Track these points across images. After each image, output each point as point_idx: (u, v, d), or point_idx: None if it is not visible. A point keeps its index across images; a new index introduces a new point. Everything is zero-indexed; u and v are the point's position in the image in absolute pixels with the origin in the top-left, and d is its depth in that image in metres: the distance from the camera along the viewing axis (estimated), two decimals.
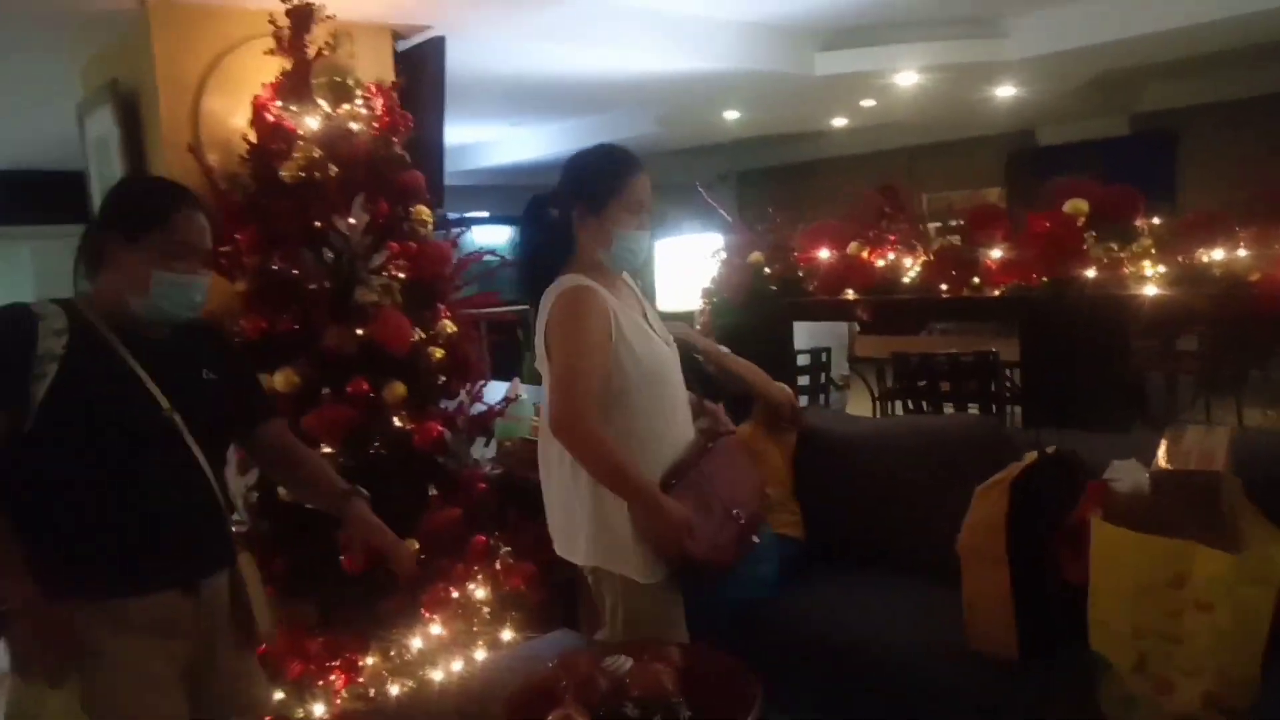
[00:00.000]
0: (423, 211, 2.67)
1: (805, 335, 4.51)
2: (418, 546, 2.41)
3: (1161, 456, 1.71)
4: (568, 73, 4.79)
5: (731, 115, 6.34)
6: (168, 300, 1.55)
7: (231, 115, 2.78)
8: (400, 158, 2.67)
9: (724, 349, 2.56)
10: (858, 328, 5.77)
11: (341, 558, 2.09)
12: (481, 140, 8.13)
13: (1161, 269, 2.36)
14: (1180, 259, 2.32)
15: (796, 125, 7.49)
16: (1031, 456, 2.07)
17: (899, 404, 5.18)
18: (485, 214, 10.75)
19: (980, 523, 2.01)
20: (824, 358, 5.31)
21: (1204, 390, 5.77)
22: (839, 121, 7.27)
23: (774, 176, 10.34)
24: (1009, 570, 1.94)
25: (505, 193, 9.63)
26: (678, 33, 4.27)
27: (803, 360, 5.02)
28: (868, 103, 6.18)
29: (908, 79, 5.26)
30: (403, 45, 3.33)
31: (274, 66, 2.64)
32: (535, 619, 2.68)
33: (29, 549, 1.44)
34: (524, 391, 3.39)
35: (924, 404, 4.98)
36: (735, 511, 2.03)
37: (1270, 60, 6.71)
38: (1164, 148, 8.54)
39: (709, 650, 1.74)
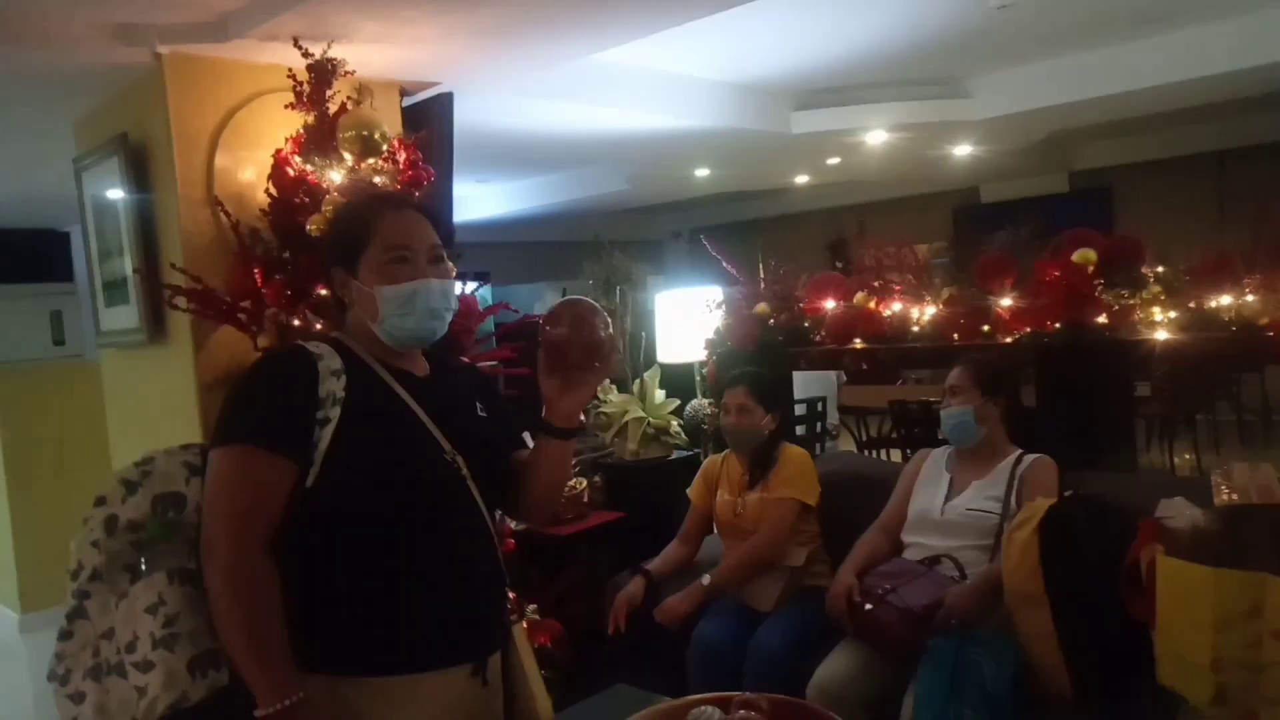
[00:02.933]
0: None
1: (800, 386, 4.57)
2: None
3: (1222, 492, 1.77)
4: (548, 129, 4.86)
5: (702, 172, 6.49)
6: (405, 314, 1.37)
7: (244, 170, 2.74)
8: None
9: None
10: (845, 378, 5.91)
11: None
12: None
13: (1172, 314, 2.46)
14: (1190, 304, 2.43)
15: (761, 183, 7.71)
16: (1051, 499, 2.14)
17: (883, 451, 5.29)
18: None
19: (1016, 566, 2.06)
20: (820, 406, 5.41)
21: (1163, 433, 6.01)
22: (801, 179, 7.50)
23: (730, 232, 10.55)
24: (1050, 609, 1.99)
25: (468, 248, 9.63)
26: (666, 90, 4.38)
27: (800, 409, 5.09)
28: (833, 160, 6.40)
29: (877, 137, 5.47)
30: (408, 101, 3.34)
31: (286, 121, 2.62)
32: (567, 678, 2.61)
33: (295, 620, 1.27)
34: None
35: (908, 449, 5.09)
36: None
37: (1194, 122, 7.21)
38: (1100, 202, 9.01)
39: (794, 701, 1.72)
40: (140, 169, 2.71)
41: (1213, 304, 2.42)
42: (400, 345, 1.43)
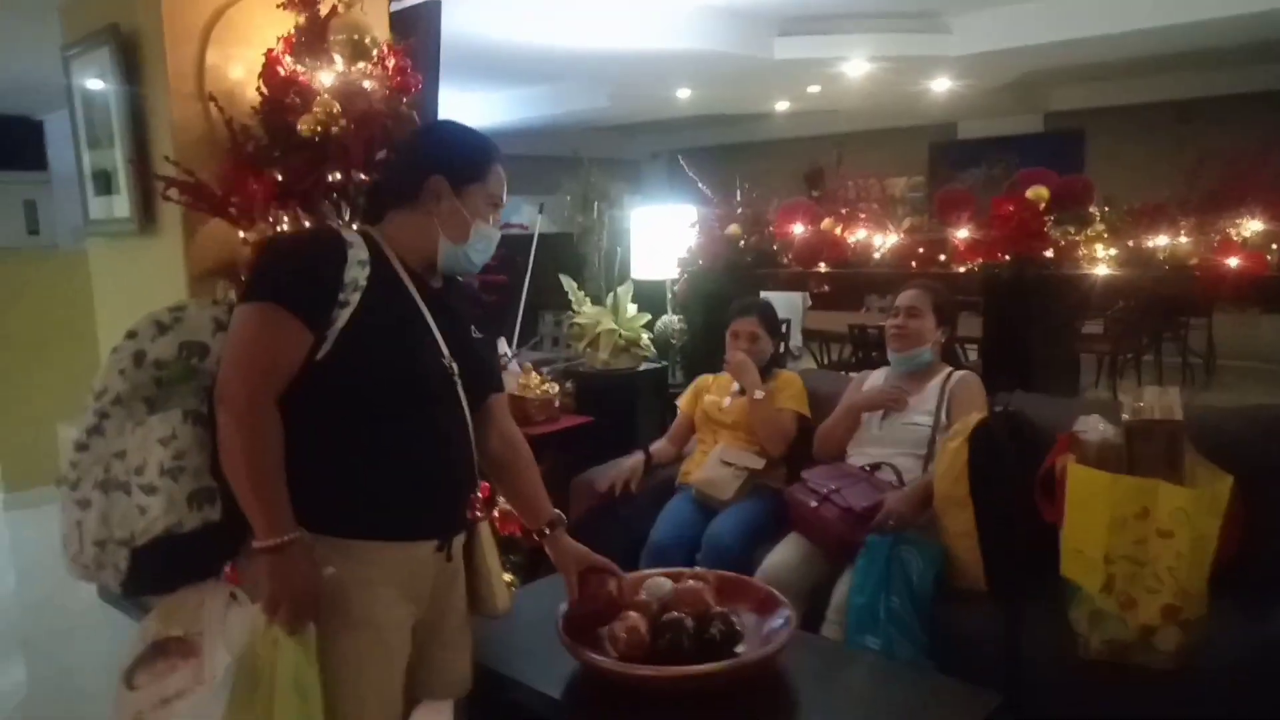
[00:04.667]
0: None
1: None
2: None
3: (1128, 410, 1.98)
4: (531, 43, 4.86)
5: (684, 93, 6.51)
6: (477, 252, 1.56)
7: (235, 67, 2.78)
8: (411, 117, 2.73)
9: None
10: (809, 302, 6.08)
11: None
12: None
13: (1113, 251, 2.65)
14: (1130, 243, 2.61)
15: (742, 107, 7.73)
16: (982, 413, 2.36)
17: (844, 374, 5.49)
18: None
19: (946, 471, 2.27)
20: (784, 328, 5.58)
21: (1108, 368, 6.29)
22: (782, 105, 7.54)
23: (709, 156, 10.56)
24: (973, 511, 2.22)
25: None
26: (652, 7, 4.39)
27: None
28: (814, 89, 6.45)
29: (858, 68, 5.53)
30: (395, 6, 3.35)
31: (278, 20, 2.66)
32: (531, 564, 2.81)
33: (291, 478, 1.38)
34: (508, 350, 3.51)
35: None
36: None
37: (1166, 70, 7.33)
38: (1073, 144, 9.15)
39: (738, 577, 1.93)
40: (131, 60, 2.74)
41: (1149, 244, 2.60)
42: (452, 270, 1.60)
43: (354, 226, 1.55)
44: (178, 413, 1.42)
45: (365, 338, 1.41)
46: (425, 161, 1.56)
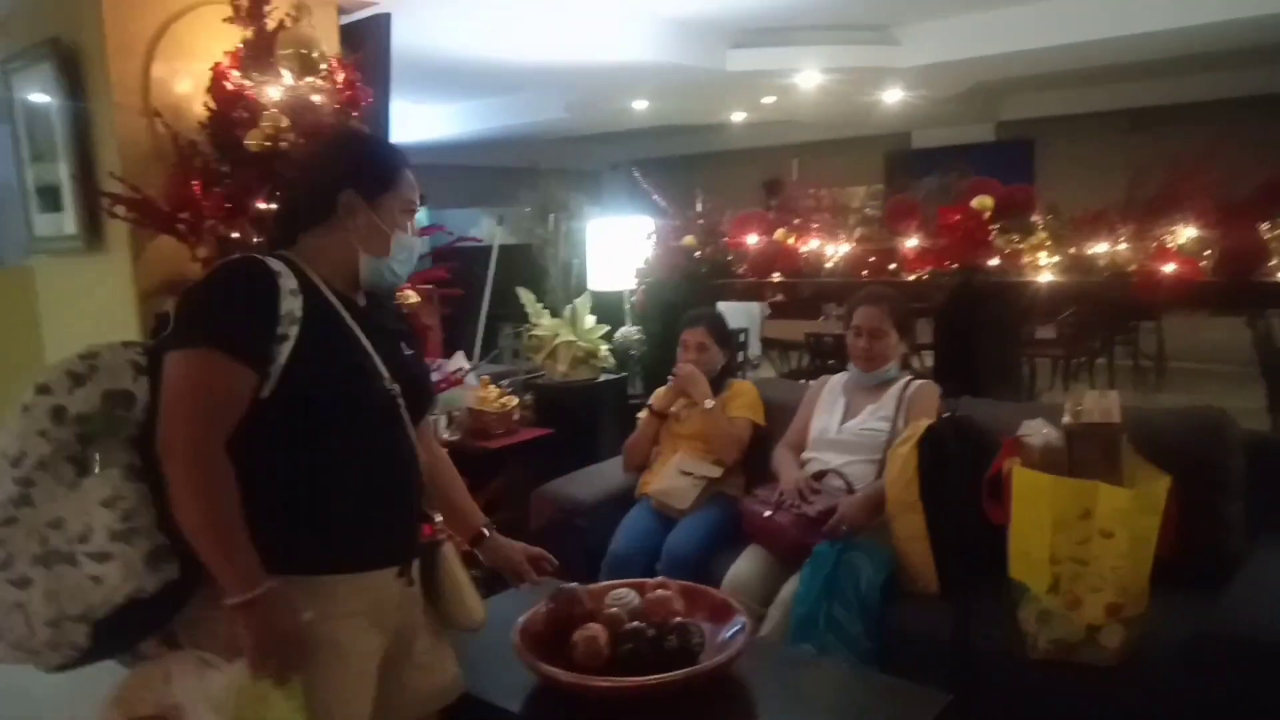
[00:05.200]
0: None
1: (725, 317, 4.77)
2: None
3: (1069, 413, 2.03)
4: (485, 54, 4.87)
5: (640, 105, 6.56)
6: (400, 264, 1.51)
7: (181, 81, 2.76)
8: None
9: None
10: (768, 311, 6.14)
11: None
12: None
13: (1055, 259, 2.71)
14: (1071, 250, 2.68)
15: (699, 118, 7.79)
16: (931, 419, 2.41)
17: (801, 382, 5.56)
18: None
19: (897, 476, 2.31)
20: (742, 338, 5.62)
21: (1062, 372, 6.42)
22: (738, 116, 7.62)
23: (669, 166, 10.61)
24: (923, 515, 2.26)
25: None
26: (604, 18, 4.42)
27: None
28: (768, 99, 6.53)
29: (810, 79, 5.61)
30: (345, 19, 3.35)
31: (223, 35, 2.65)
32: (491, 578, 2.80)
33: (247, 520, 1.32)
34: (466, 363, 3.50)
35: None
36: None
37: (1116, 80, 7.52)
38: (1023, 153, 9.35)
39: (699, 587, 1.95)
40: (73, 74, 2.70)
41: (1090, 251, 2.67)
42: (375, 285, 1.53)
43: (277, 252, 1.47)
44: (116, 471, 1.32)
45: (309, 370, 1.36)
46: (334, 177, 1.49)
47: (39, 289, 3.07)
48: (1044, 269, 2.72)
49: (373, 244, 1.48)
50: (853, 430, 2.61)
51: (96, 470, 1.32)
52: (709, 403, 2.84)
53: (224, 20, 2.61)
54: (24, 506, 1.30)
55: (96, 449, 1.33)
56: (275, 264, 1.39)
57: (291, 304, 1.36)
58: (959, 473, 2.22)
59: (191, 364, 1.32)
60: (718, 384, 2.94)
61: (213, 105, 2.59)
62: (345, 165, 1.51)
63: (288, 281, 1.37)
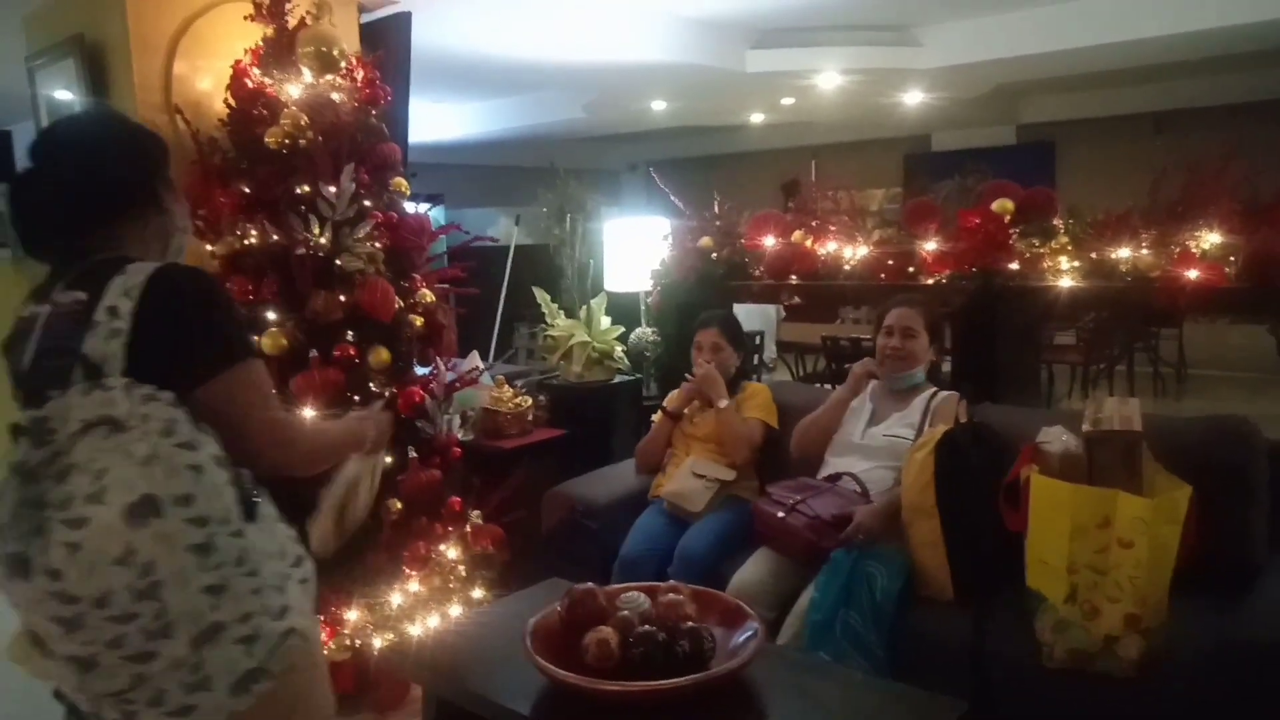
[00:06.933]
0: (401, 184, 2.74)
1: (741, 319, 4.77)
2: (400, 506, 2.52)
3: (1089, 420, 2.00)
4: (505, 53, 4.87)
5: (658, 105, 6.54)
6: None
7: (202, 79, 2.77)
8: (380, 129, 2.74)
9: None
10: (784, 314, 6.12)
11: None
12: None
13: (1076, 263, 2.68)
14: (1093, 255, 2.64)
15: (717, 119, 7.77)
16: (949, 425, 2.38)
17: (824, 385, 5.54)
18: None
19: (913, 481, 2.29)
20: (758, 340, 5.60)
21: (1081, 378, 6.36)
22: (757, 117, 7.58)
23: (686, 167, 10.60)
24: (939, 521, 2.23)
25: (421, 169, 9.57)
26: (624, 18, 4.41)
27: None
28: (788, 100, 6.50)
29: (830, 80, 5.58)
30: (366, 18, 3.36)
31: (245, 32, 2.66)
32: (503, 579, 2.80)
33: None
34: (481, 363, 3.50)
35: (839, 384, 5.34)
36: None
37: (1138, 82, 7.44)
38: (1044, 155, 9.27)
39: (710, 591, 1.94)
40: (97, 71, 2.73)
41: (1112, 256, 2.64)
42: None
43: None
44: (272, 512, 1.37)
45: None
46: (151, 174, 1.48)
47: None
48: (1064, 273, 2.68)
49: (186, 231, 1.54)
50: (877, 436, 2.59)
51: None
52: (724, 402, 2.83)
53: (245, 18, 2.63)
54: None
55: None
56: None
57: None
58: (976, 479, 2.20)
59: (254, 373, 1.41)
60: (732, 386, 2.94)
61: (233, 103, 2.61)
62: (153, 163, 1.49)
63: None
